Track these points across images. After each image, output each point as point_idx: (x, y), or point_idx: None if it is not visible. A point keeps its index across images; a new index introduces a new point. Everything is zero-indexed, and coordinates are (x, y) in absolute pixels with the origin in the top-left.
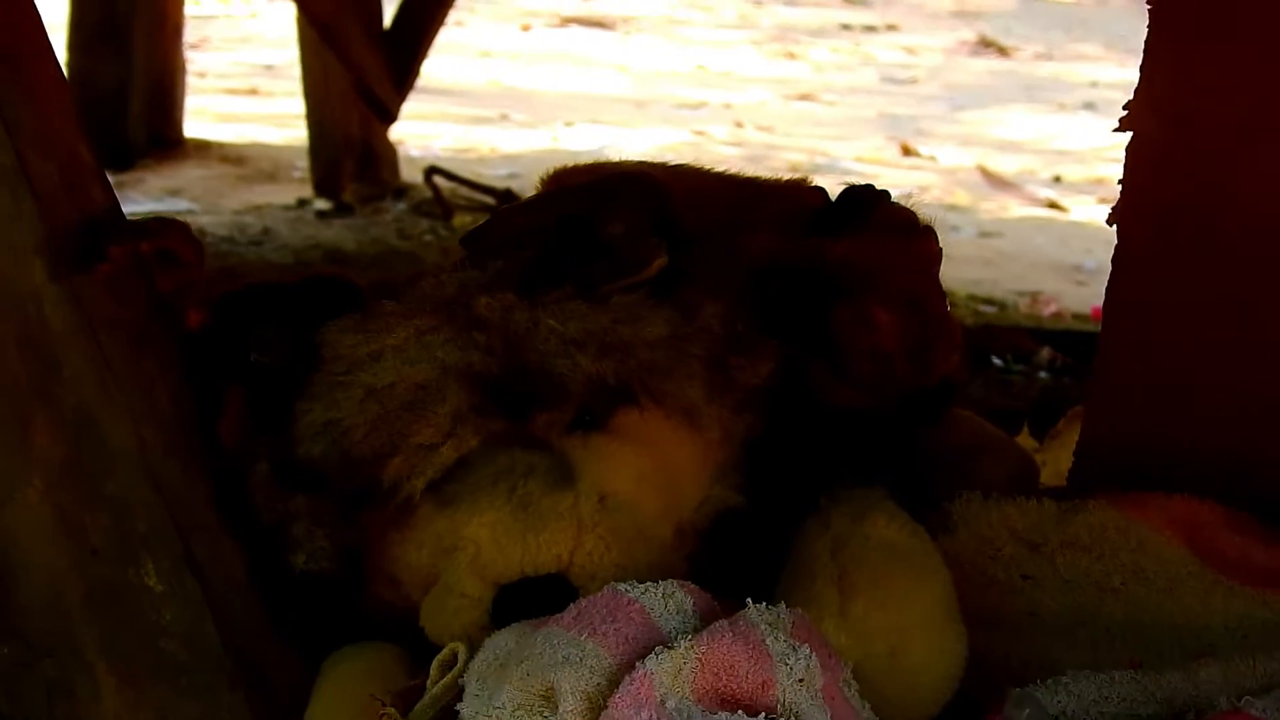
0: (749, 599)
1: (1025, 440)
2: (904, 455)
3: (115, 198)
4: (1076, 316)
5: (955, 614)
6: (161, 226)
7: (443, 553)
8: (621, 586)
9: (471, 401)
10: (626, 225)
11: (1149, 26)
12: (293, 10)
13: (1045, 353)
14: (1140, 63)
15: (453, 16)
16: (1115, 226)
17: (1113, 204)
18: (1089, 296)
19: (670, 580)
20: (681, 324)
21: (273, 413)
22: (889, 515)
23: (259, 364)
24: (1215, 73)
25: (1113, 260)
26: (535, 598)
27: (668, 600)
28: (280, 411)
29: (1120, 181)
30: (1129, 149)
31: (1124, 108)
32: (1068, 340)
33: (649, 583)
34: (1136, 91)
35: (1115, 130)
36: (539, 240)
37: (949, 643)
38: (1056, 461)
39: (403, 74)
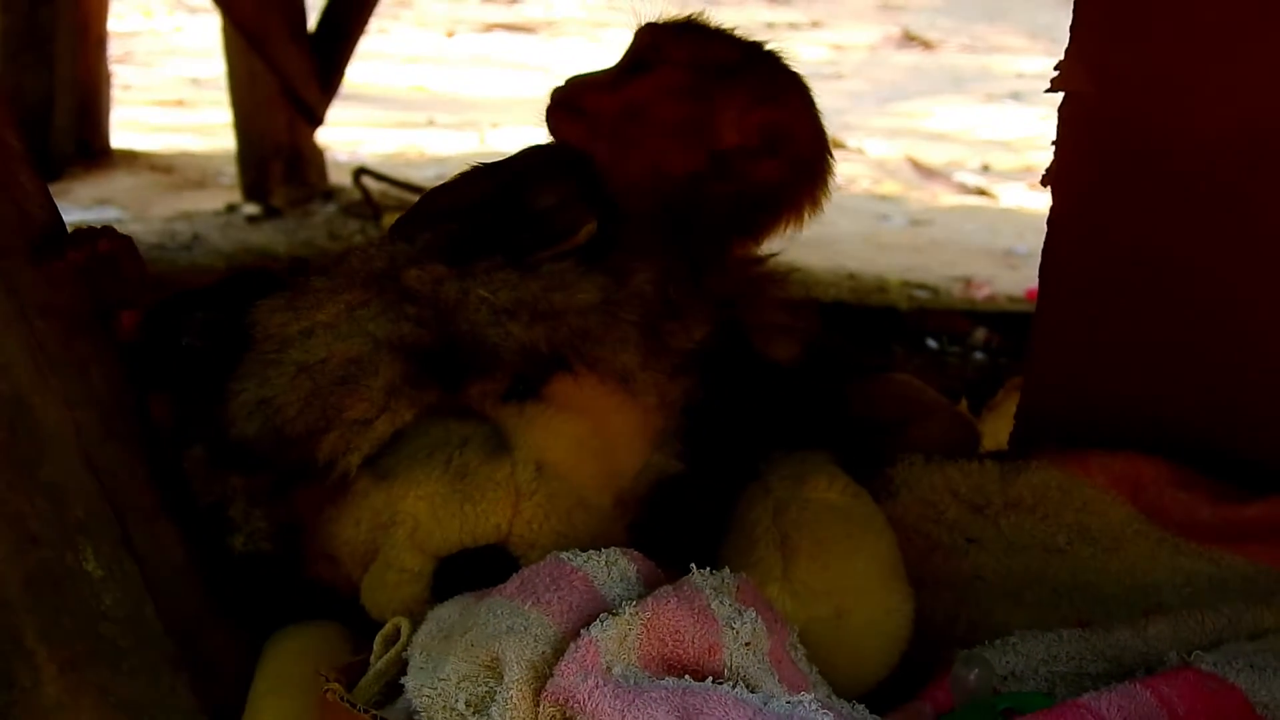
0: (693, 565)
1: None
2: (839, 419)
3: (45, 186)
4: (1010, 299)
5: (900, 574)
6: (114, 234)
7: (380, 528)
8: (564, 555)
9: (404, 374)
10: (555, 196)
11: None
12: (217, 21)
13: (980, 333)
14: (1070, 22)
15: (377, 24)
16: (1049, 188)
17: (1042, 190)
18: (1021, 280)
19: (613, 548)
20: (613, 289)
21: (206, 397)
22: (830, 478)
23: (190, 349)
24: (1142, 28)
25: (1048, 220)
26: (476, 569)
27: (611, 567)
28: (213, 395)
29: (1053, 142)
30: (1061, 109)
31: (1055, 68)
32: (1002, 321)
33: (591, 551)
34: (1067, 51)
35: (1047, 91)
36: (468, 214)
37: (895, 602)
38: (995, 433)
39: (328, 77)
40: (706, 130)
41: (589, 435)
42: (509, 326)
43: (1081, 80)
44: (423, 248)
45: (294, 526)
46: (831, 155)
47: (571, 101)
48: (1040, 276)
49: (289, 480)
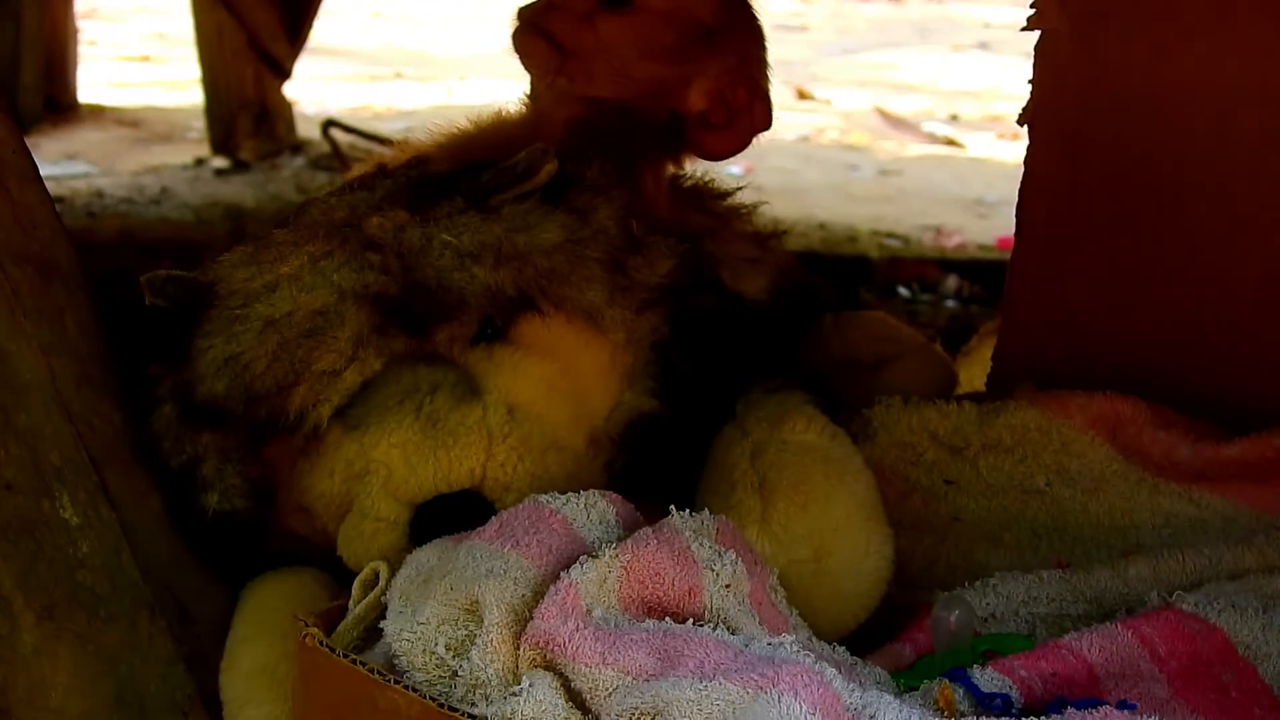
0: (672, 507)
1: None
2: (810, 356)
3: (19, 131)
4: (980, 247)
5: (879, 514)
6: None
7: (354, 478)
8: (543, 498)
9: (371, 323)
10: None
11: None
12: None
13: (951, 281)
14: None
15: None
16: (1025, 126)
17: (1011, 139)
18: (991, 229)
19: (592, 490)
20: (576, 228)
21: (173, 356)
22: (807, 419)
23: (154, 307)
24: None
25: (1024, 161)
26: (451, 515)
27: (590, 510)
28: (180, 354)
29: (1030, 81)
30: (1037, 48)
31: (1031, 6)
32: (973, 269)
33: (570, 493)
34: None
35: (1023, 29)
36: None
37: (874, 544)
38: (970, 379)
39: (296, 30)
40: (674, 93)
41: (559, 376)
42: (474, 270)
43: (1058, 18)
44: (383, 195)
45: (267, 482)
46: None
47: (541, 24)
48: (1017, 218)
49: (260, 436)
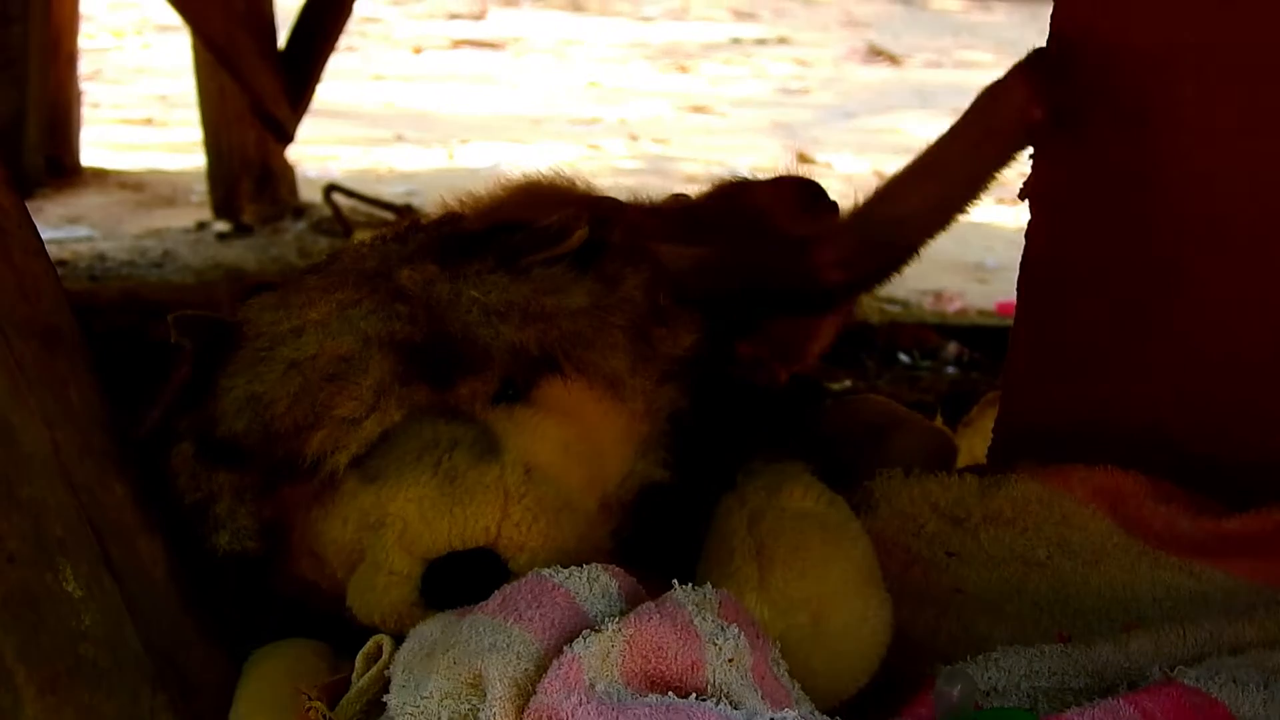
0: (675, 581)
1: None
2: (813, 431)
3: (22, 201)
4: (981, 313)
5: (877, 580)
6: None
7: (368, 528)
8: (545, 571)
9: (395, 371)
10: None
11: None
12: (187, 39)
13: (952, 347)
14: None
15: (345, 42)
16: (1026, 201)
17: (1010, 204)
18: (992, 293)
19: (594, 564)
20: (604, 294)
21: (195, 395)
22: (805, 486)
23: (179, 347)
24: (1120, 39)
25: (1025, 234)
26: (464, 572)
27: (593, 583)
28: (202, 393)
29: (1029, 155)
30: None
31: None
32: (973, 335)
33: (573, 567)
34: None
35: None
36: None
37: (872, 609)
38: (972, 448)
39: (298, 94)
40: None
41: (576, 439)
42: (500, 327)
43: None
44: (415, 248)
45: (280, 525)
46: None
47: None
48: (1018, 290)
49: (276, 477)
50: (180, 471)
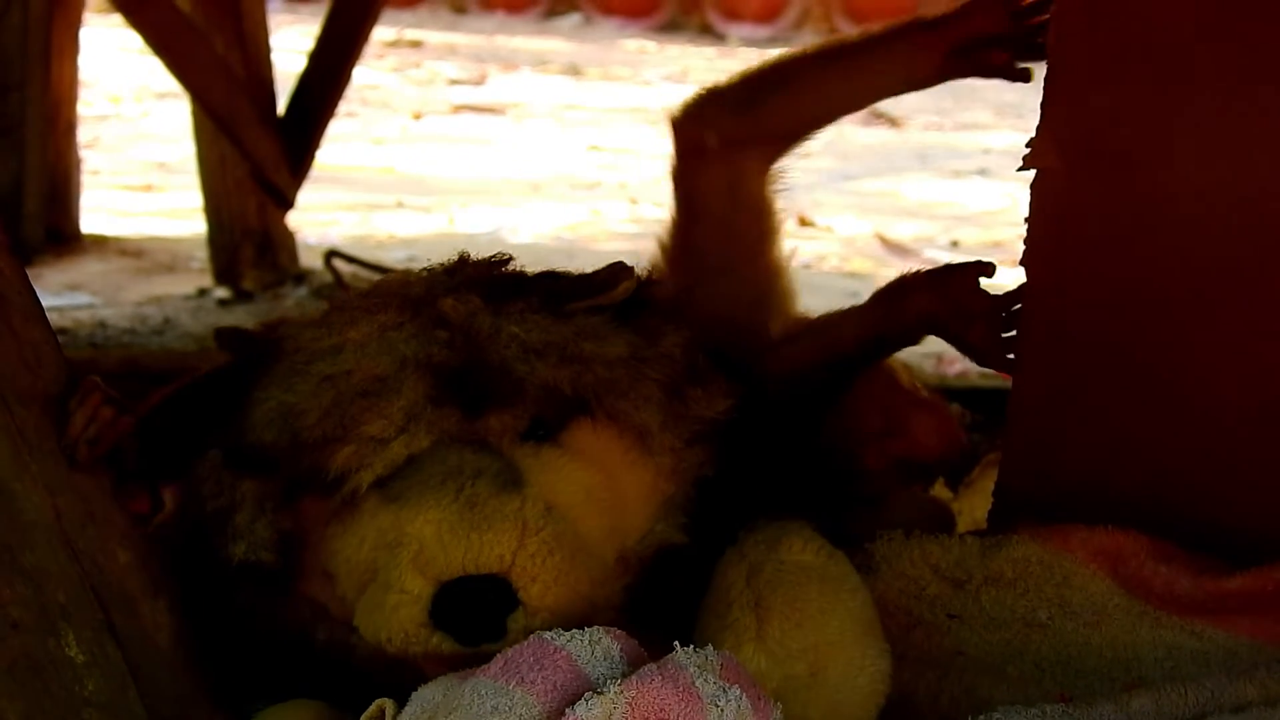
0: (676, 643)
1: (941, 491)
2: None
3: (22, 268)
4: (982, 375)
5: (876, 631)
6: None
7: (385, 548)
8: (547, 634)
9: (428, 395)
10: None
11: (1048, 68)
12: (186, 106)
13: (954, 409)
14: (1040, 101)
15: (345, 108)
16: (1025, 268)
17: (1009, 265)
18: None
19: (596, 627)
20: (642, 347)
21: (230, 408)
22: (804, 539)
23: (221, 358)
24: (1115, 106)
25: (1024, 299)
26: (475, 597)
27: (594, 646)
28: (237, 406)
29: (1026, 220)
30: (1033, 186)
31: (1027, 145)
32: (974, 397)
33: (575, 630)
34: (1039, 129)
35: (1019, 169)
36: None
37: (869, 659)
38: (972, 510)
39: (298, 160)
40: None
41: (600, 487)
42: (536, 364)
43: (1053, 157)
44: (462, 280)
45: (295, 539)
46: None
47: None
48: (1016, 352)
49: (299, 488)
50: (206, 477)
